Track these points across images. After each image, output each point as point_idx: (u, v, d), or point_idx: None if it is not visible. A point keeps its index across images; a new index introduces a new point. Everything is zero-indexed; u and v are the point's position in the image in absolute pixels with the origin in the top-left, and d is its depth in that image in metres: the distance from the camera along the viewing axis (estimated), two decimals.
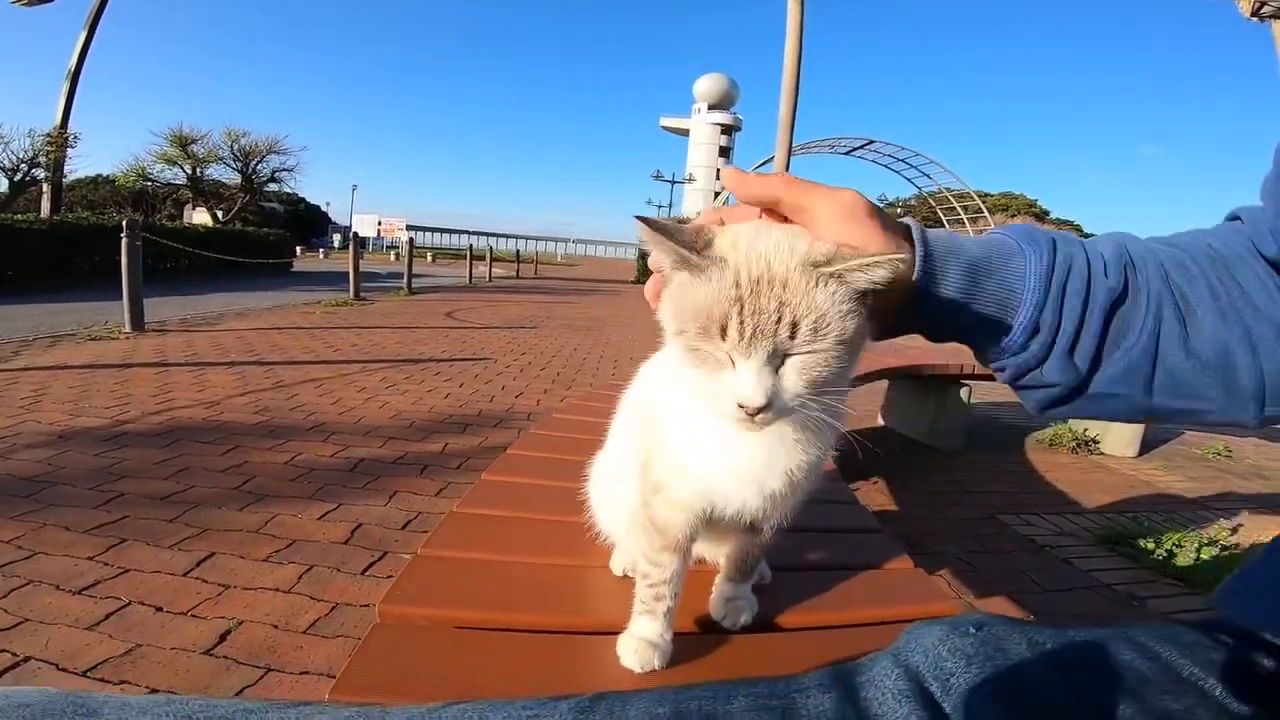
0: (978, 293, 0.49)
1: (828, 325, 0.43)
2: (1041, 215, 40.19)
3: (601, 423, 0.76)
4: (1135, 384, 0.49)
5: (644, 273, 17.90)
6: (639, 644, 0.58)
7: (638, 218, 0.47)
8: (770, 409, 0.44)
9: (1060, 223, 40.29)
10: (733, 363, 0.44)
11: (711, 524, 0.59)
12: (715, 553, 0.71)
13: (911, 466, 2.90)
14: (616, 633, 0.60)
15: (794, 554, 0.82)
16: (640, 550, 0.61)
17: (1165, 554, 2.08)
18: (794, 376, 0.44)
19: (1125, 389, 0.50)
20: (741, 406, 0.44)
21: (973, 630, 0.39)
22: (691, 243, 0.46)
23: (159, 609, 1.40)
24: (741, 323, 0.43)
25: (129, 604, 1.41)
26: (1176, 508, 2.67)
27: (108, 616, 1.36)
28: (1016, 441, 3.57)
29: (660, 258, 0.48)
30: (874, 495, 2.46)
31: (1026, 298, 0.49)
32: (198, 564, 1.60)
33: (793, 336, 0.43)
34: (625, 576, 0.73)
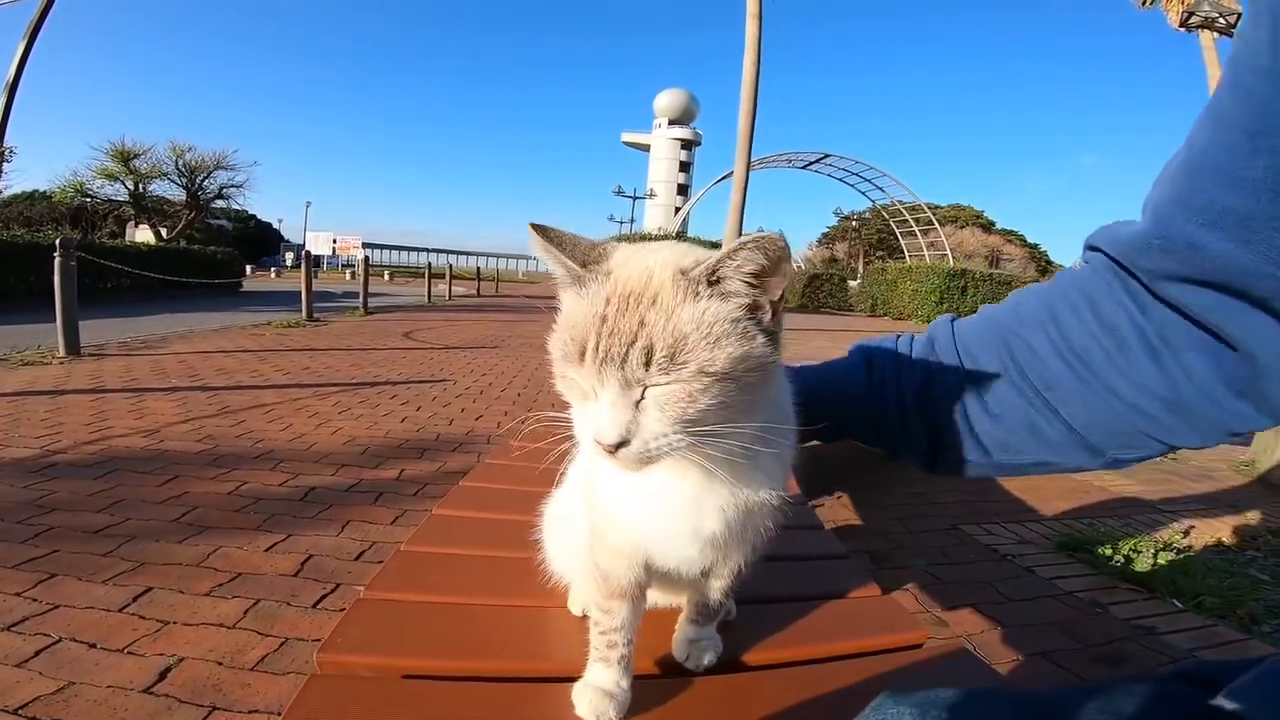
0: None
1: (688, 352, 0.38)
2: (988, 226, 41.96)
3: (561, 450, 0.74)
4: (973, 450, 0.59)
5: None
6: (594, 693, 0.54)
7: (532, 225, 0.42)
8: (630, 448, 0.39)
9: (1006, 233, 42.10)
10: (595, 393, 0.40)
11: (657, 573, 0.56)
12: (674, 599, 0.68)
13: (873, 478, 2.93)
14: (577, 678, 0.57)
15: (758, 585, 0.78)
16: (590, 598, 0.58)
17: (1123, 559, 2.16)
18: (654, 412, 0.39)
19: (967, 453, 0.60)
20: (598, 443, 0.40)
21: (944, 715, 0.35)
22: (581, 255, 0.43)
23: (92, 645, 1.34)
24: (596, 346, 0.39)
25: (60, 640, 1.34)
26: (1130, 512, 2.77)
27: (37, 653, 1.29)
28: None
29: (554, 271, 0.44)
30: (837, 510, 2.51)
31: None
32: (134, 599, 1.53)
33: (648, 364, 0.38)
34: (585, 616, 0.69)
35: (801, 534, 1.01)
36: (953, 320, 0.64)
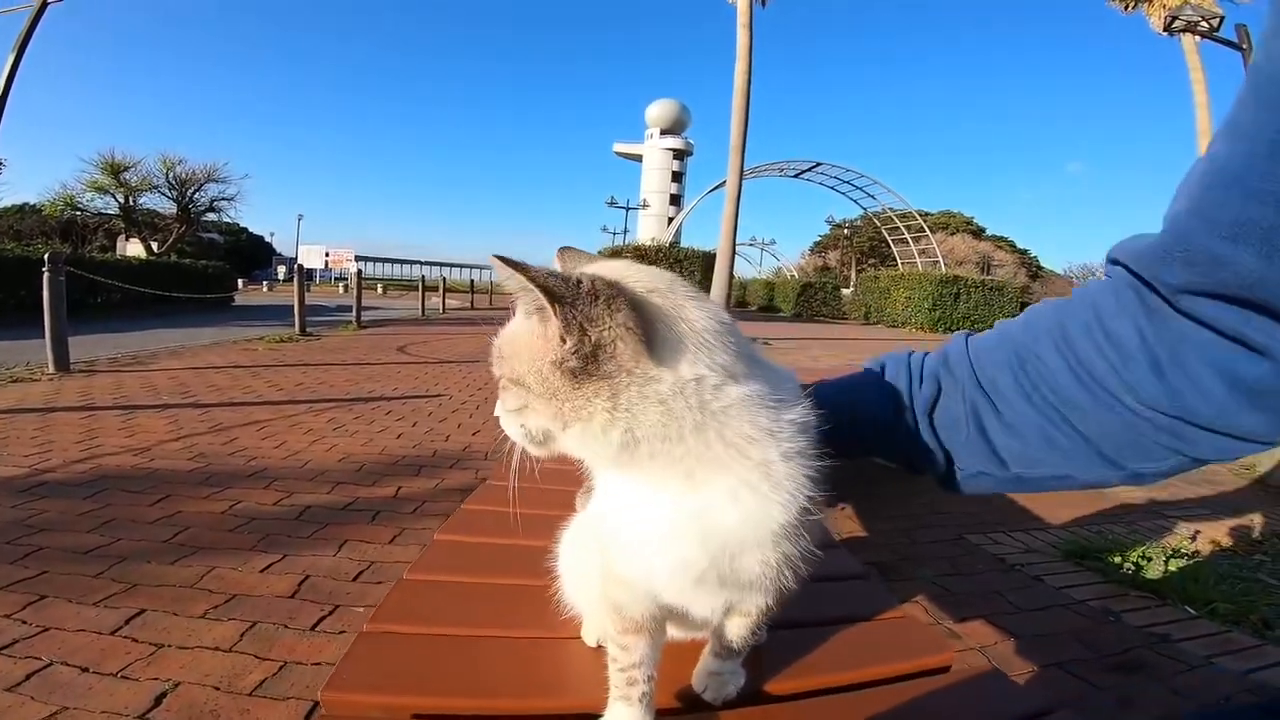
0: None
1: (512, 349, 0.46)
2: (978, 232, 42.24)
3: (567, 470, 0.68)
4: (991, 463, 0.59)
5: None
6: None
7: (495, 256, 0.43)
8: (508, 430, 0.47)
9: (996, 239, 42.40)
10: None
11: (669, 611, 0.54)
12: (696, 633, 0.64)
13: (877, 489, 2.92)
14: (597, 716, 0.55)
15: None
16: (606, 631, 0.56)
17: (1133, 567, 2.14)
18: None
19: (984, 467, 0.59)
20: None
21: None
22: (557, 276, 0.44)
23: (85, 669, 1.31)
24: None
25: (50, 664, 1.31)
26: (1135, 518, 2.76)
27: (28, 677, 1.26)
28: None
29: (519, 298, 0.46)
30: (843, 522, 2.50)
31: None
32: (126, 621, 1.49)
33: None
34: (600, 646, 0.67)
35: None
36: (968, 336, 0.64)
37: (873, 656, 0.72)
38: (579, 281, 0.41)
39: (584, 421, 0.42)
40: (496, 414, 0.49)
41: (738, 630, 0.58)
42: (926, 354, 0.65)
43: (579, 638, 0.70)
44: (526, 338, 0.45)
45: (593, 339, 0.41)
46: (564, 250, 0.55)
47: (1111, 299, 0.51)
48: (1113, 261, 0.53)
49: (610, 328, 0.41)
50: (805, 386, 0.54)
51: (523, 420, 0.46)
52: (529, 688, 0.62)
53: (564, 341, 0.41)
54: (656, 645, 0.55)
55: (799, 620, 0.77)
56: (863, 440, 0.65)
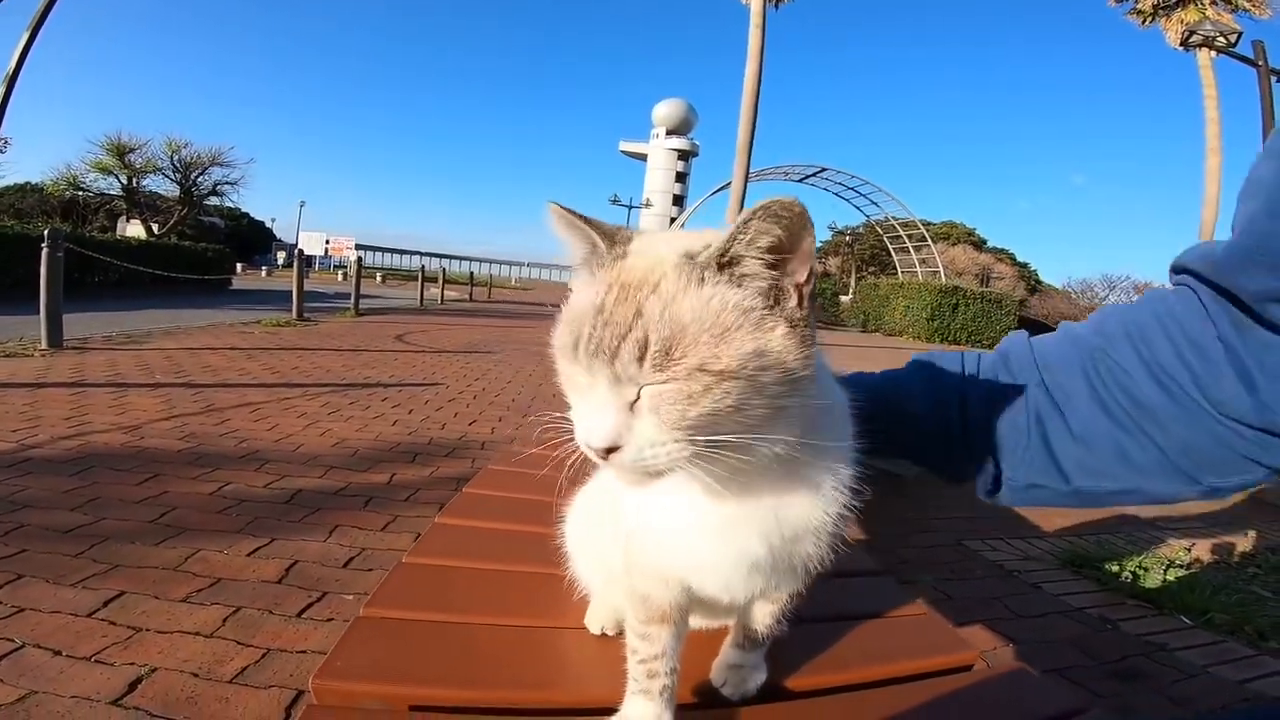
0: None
1: (685, 345, 0.32)
2: (979, 244, 42.24)
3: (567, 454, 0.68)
4: (1051, 475, 0.55)
5: None
6: None
7: (551, 202, 0.38)
8: (623, 455, 0.34)
9: (997, 251, 42.41)
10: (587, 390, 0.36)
11: (698, 599, 0.50)
12: (719, 622, 0.62)
13: (877, 493, 2.90)
14: (601, 710, 0.51)
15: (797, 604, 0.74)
16: (626, 621, 0.52)
17: (1130, 575, 2.16)
18: (650, 416, 0.33)
19: (1041, 480, 0.55)
20: (586, 447, 0.35)
21: None
22: (606, 229, 0.38)
23: (57, 653, 1.25)
24: (589, 337, 0.34)
25: (22, 646, 1.26)
26: (1132, 528, 2.77)
27: None
28: None
29: (573, 250, 0.40)
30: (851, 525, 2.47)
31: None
32: (105, 604, 1.44)
33: (641, 360, 0.32)
34: (604, 635, 0.64)
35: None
36: (1029, 337, 0.59)
37: (897, 653, 0.70)
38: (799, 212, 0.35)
39: (804, 391, 0.35)
40: (635, 447, 0.35)
41: (765, 618, 0.55)
42: (982, 354, 0.61)
43: (581, 627, 0.66)
44: (723, 311, 0.34)
45: (808, 288, 0.36)
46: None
47: (1189, 308, 0.48)
48: (1181, 270, 0.50)
49: (812, 271, 0.36)
50: (842, 376, 0.50)
51: (708, 419, 0.34)
52: (530, 679, 0.59)
53: (799, 297, 0.35)
54: (680, 636, 0.51)
55: (820, 615, 0.74)
56: (901, 442, 0.60)
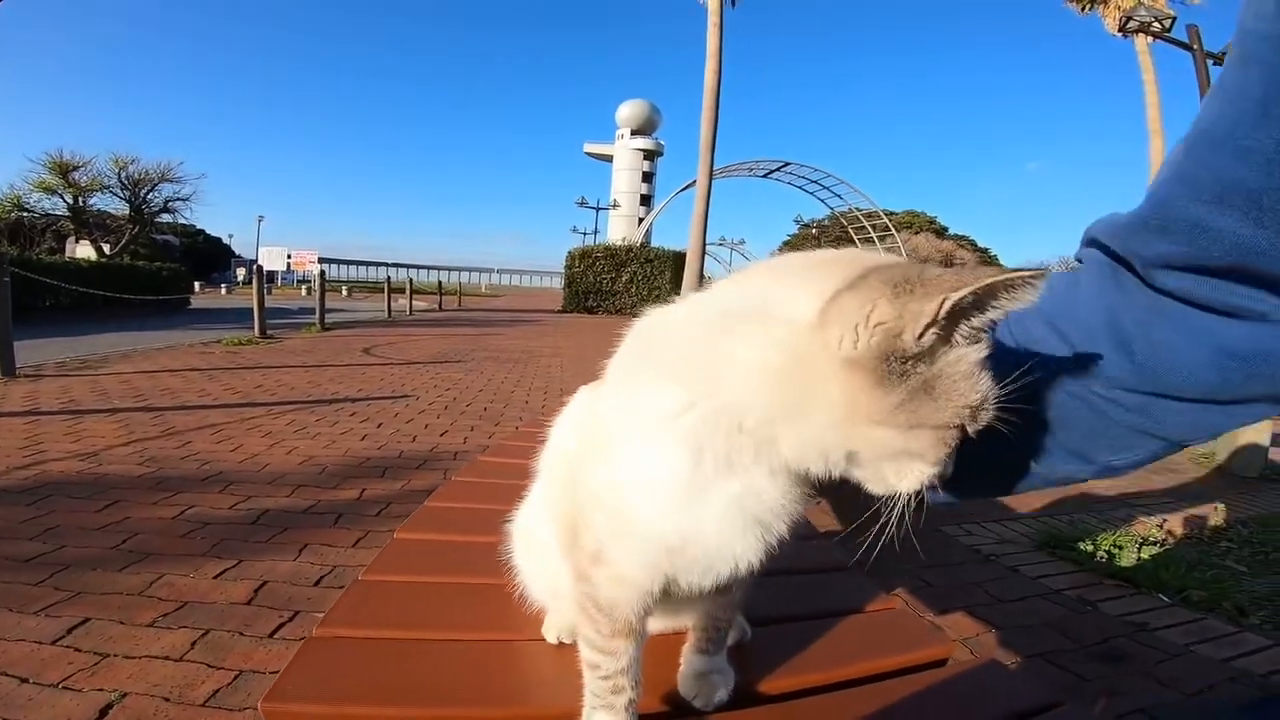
0: None
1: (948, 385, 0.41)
2: (941, 231, 42.83)
3: (533, 465, 0.65)
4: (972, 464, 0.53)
5: (571, 302, 17.57)
6: None
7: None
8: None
9: (958, 238, 43.13)
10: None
11: (670, 594, 0.49)
12: (678, 624, 0.61)
13: (850, 481, 2.94)
14: None
15: (765, 604, 0.71)
16: (583, 637, 0.50)
17: (1105, 555, 2.17)
18: None
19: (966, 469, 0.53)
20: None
21: None
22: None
23: (24, 680, 1.24)
24: None
25: None
26: (1104, 507, 2.82)
27: None
28: None
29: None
30: (817, 515, 2.51)
31: None
32: (69, 631, 1.42)
33: None
34: (561, 644, 0.64)
35: (800, 545, 0.93)
36: None
37: (868, 650, 0.69)
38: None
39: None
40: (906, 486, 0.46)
41: (725, 607, 0.56)
42: None
43: (540, 639, 0.66)
44: (969, 368, 0.39)
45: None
46: None
47: (1083, 281, 0.48)
48: (1089, 243, 0.50)
49: None
50: None
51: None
52: (488, 694, 0.58)
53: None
54: (642, 645, 0.50)
55: (788, 615, 0.74)
56: None
